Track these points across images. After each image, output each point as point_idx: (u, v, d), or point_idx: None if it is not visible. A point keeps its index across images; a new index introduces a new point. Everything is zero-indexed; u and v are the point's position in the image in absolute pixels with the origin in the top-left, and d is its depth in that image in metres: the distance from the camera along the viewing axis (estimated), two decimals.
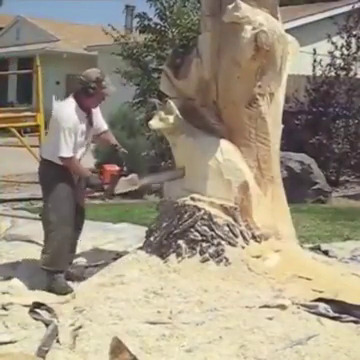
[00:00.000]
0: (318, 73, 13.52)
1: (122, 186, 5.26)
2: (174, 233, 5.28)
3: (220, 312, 4.48)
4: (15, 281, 5.29)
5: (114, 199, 9.36)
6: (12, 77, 28.59)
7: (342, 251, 6.70)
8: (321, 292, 4.82)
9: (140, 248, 5.54)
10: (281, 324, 4.28)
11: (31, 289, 5.11)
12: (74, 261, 5.76)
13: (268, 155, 5.53)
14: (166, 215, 5.44)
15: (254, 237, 5.31)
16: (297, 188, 10.11)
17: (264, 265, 5.17)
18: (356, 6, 13.99)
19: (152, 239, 5.44)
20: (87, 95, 5.18)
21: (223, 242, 5.20)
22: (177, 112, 5.46)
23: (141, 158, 11.58)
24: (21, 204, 10.52)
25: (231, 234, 5.25)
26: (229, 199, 5.33)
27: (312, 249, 6.53)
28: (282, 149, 5.99)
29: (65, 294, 4.97)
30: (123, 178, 5.23)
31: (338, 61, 13.43)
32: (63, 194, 5.21)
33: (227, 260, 5.14)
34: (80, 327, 4.13)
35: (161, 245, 5.32)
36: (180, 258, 5.20)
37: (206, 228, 5.23)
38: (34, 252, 6.43)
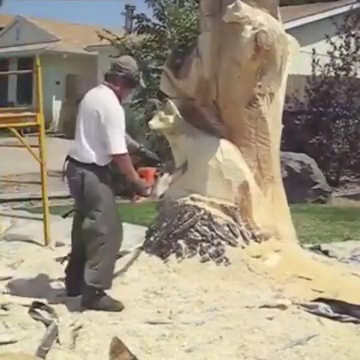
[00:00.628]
0: (318, 73, 13.52)
1: (161, 187, 5.00)
2: (174, 233, 5.29)
3: (220, 312, 4.48)
4: (15, 281, 5.29)
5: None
6: (12, 77, 28.57)
7: (342, 251, 6.70)
8: (321, 292, 4.83)
9: (140, 248, 5.54)
10: (281, 324, 4.29)
11: (31, 289, 5.10)
12: None
13: (268, 155, 5.54)
14: (166, 215, 5.44)
15: (254, 237, 5.31)
16: (297, 188, 10.12)
17: (264, 265, 5.17)
18: (354, 6, 13.99)
19: (152, 239, 5.44)
20: (128, 85, 4.73)
21: (223, 242, 5.21)
22: (177, 112, 5.46)
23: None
24: (21, 204, 10.53)
25: (231, 234, 5.25)
26: (229, 199, 5.33)
27: (312, 249, 6.53)
28: (282, 149, 5.99)
29: (120, 310, 4.53)
30: (161, 178, 4.98)
31: (337, 61, 13.44)
32: (111, 202, 4.68)
33: (227, 260, 5.15)
34: (80, 327, 4.13)
35: (161, 245, 5.33)
36: (180, 258, 5.20)
37: (206, 228, 5.23)
38: (34, 252, 6.45)
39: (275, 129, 5.60)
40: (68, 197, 11.28)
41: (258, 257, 5.22)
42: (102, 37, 14.20)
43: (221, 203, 5.31)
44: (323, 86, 13.48)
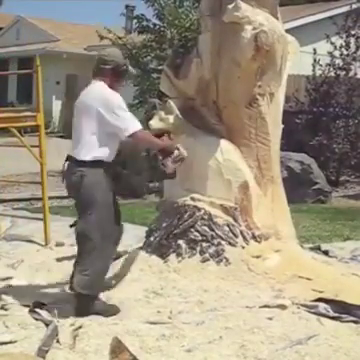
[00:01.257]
0: (318, 73, 13.53)
1: (171, 164, 4.79)
2: (174, 233, 5.28)
3: (220, 312, 4.48)
4: (15, 281, 5.29)
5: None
6: (12, 77, 28.56)
7: (342, 251, 6.70)
8: (321, 292, 4.83)
9: (140, 248, 5.54)
10: (281, 324, 4.28)
11: (31, 289, 5.10)
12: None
13: (268, 155, 5.54)
14: (166, 215, 5.44)
15: (254, 237, 5.31)
16: (297, 188, 10.13)
17: (264, 265, 5.17)
18: (354, 6, 13.99)
19: (152, 239, 5.44)
20: (117, 76, 4.65)
21: (223, 242, 5.21)
22: (177, 112, 5.46)
23: (141, 158, 11.58)
24: (21, 204, 10.53)
25: (231, 234, 5.25)
26: (229, 199, 5.33)
27: (312, 249, 6.53)
28: (282, 149, 5.99)
29: (115, 314, 4.44)
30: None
31: (337, 61, 13.44)
32: (107, 207, 4.49)
33: (227, 260, 5.14)
34: (80, 327, 4.13)
35: (161, 245, 5.32)
36: (180, 258, 5.20)
37: (206, 228, 5.23)
38: (34, 252, 6.45)
39: (275, 129, 5.60)
40: (68, 197, 11.30)
41: (258, 257, 5.21)
42: (102, 37, 14.20)
43: (221, 203, 5.31)
44: (323, 86, 13.49)
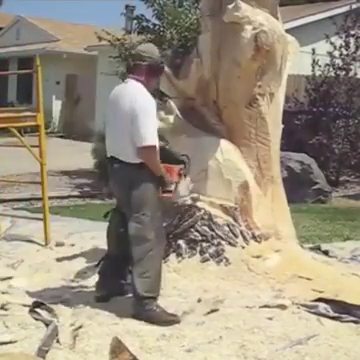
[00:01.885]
0: (318, 73, 13.53)
1: (183, 190, 4.74)
2: (174, 233, 5.29)
3: (220, 312, 4.48)
4: (15, 281, 5.29)
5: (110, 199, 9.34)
6: (12, 77, 28.54)
7: (342, 251, 6.70)
8: (321, 292, 4.83)
9: None
10: (281, 324, 4.28)
11: (31, 289, 5.10)
12: (77, 262, 5.75)
13: (268, 155, 5.54)
14: (166, 215, 5.44)
15: (254, 237, 5.32)
16: (297, 188, 10.13)
17: (264, 265, 5.17)
18: (354, 6, 13.99)
19: None
20: (154, 74, 4.53)
21: (223, 242, 5.21)
22: (177, 112, 5.47)
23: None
24: (21, 204, 10.53)
25: (231, 234, 5.25)
26: (229, 199, 5.33)
27: (312, 249, 6.53)
28: (282, 149, 5.99)
29: (177, 323, 4.28)
30: (186, 180, 4.72)
31: (337, 61, 13.44)
32: (156, 204, 4.45)
33: (227, 260, 5.14)
34: (80, 327, 4.13)
35: None
36: (180, 258, 5.20)
37: (206, 228, 5.23)
38: (34, 252, 6.45)
39: (275, 129, 5.60)
40: (68, 197, 11.32)
41: (258, 257, 5.22)
42: (101, 38, 14.20)
43: (221, 203, 5.31)
44: (323, 86, 13.49)
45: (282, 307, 4.56)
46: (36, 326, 4.22)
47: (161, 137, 5.04)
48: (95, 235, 6.80)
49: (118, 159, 4.45)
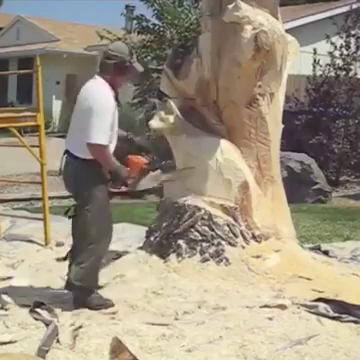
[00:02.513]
0: (318, 73, 13.53)
1: (146, 182, 4.74)
2: (174, 233, 5.28)
3: (220, 312, 4.48)
4: (15, 281, 5.29)
5: (115, 198, 9.34)
6: (12, 77, 28.55)
7: (342, 251, 6.69)
8: (321, 292, 4.83)
9: (140, 248, 5.54)
10: (281, 324, 4.28)
11: (31, 289, 5.10)
12: None
13: (268, 155, 5.54)
14: (166, 215, 5.44)
15: (254, 237, 5.31)
16: (297, 188, 10.13)
17: (264, 265, 5.17)
18: (354, 6, 13.99)
19: (152, 239, 5.44)
20: (120, 72, 4.53)
21: (223, 242, 5.21)
22: (177, 112, 5.46)
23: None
24: (21, 204, 10.52)
25: (231, 234, 5.25)
26: (229, 199, 5.33)
27: (312, 249, 6.52)
28: (282, 149, 5.99)
29: (106, 307, 4.52)
30: (151, 174, 4.76)
31: (338, 61, 13.44)
32: (104, 202, 4.53)
33: (227, 260, 5.14)
34: (80, 327, 4.13)
35: (161, 245, 5.33)
36: (180, 258, 5.20)
37: (206, 228, 5.23)
38: (34, 252, 6.45)
39: (275, 129, 5.60)
40: (68, 197, 11.32)
41: (258, 257, 5.21)
42: (102, 37, 14.22)
43: (221, 203, 5.31)
44: (323, 86, 13.49)
45: (282, 307, 4.56)
46: (36, 326, 4.22)
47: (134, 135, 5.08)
48: None
49: (69, 152, 4.55)
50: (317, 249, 6.59)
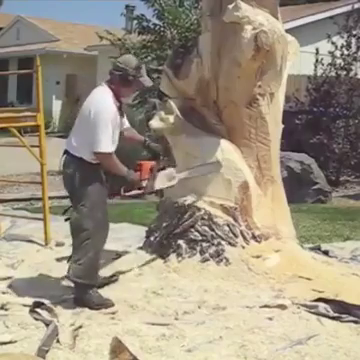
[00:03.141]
0: (319, 73, 13.53)
1: (161, 181, 4.87)
2: (174, 233, 5.28)
3: (220, 312, 4.48)
4: (15, 281, 5.29)
5: (116, 198, 9.32)
6: (12, 77, 28.56)
7: (342, 251, 6.69)
8: (321, 292, 4.82)
9: (140, 248, 5.54)
10: (281, 324, 4.28)
11: (31, 289, 5.10)
12: None
13: (268, 155, 5.54)
14: (166, 215, 5.44)
15: (254, 237, 5.31)
16: (297, 188, 10.13)
17: (264, 265, 5.17)
18: (356, 6, 13.99)
19: (152, 239, 5.44)
20: (124, 84, 4.69)
21: (223, 242, 5.21)
22: (177, 112, 5.46)
23: (141, 158, 11.56)
24: (21, 204, 10.52)
25: (231, 234, 5.25)
26: (229, 199, 5.33)
27: (312, 249, 6.52)
28: (282, 149, 5.99)
29: (106, 307, 4.56)
30: (161, 172, 4.87)
31: (338, 61, 13.44)
32: (99, 198, 4.67)
33: (227, 260, 5.14)
34: (80, 327, 4.13)
35: (161, 245, 5.33)
36: (180, 258, 5.20)
37: (206, 228, 5.23)
38: (34, 252, 6.45)
39: (275, 129, 5.60)
40: (68, 197, 11.31)
41: (258, 257, 5.21)
42: (102, 38, 14.21)
43: (221, 203, 5.31)
44: (324, 86, 13.49)
45: (282, 307, 4.56)
46: (36, 326, 4.22)
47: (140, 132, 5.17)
48: None
49: (69, 152, 4.72)
50: (317, 249, 6.59)
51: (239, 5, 5.20)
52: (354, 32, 13.44)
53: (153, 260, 5.28)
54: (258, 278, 5.05)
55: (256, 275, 5.07)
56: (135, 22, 13.48)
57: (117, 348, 3.53)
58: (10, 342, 3.91)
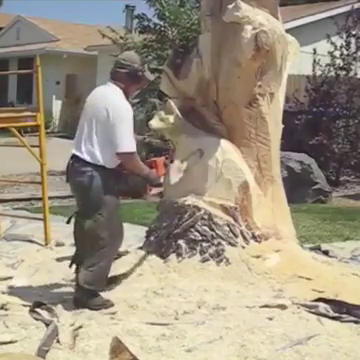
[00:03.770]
0: (318, 73, 13.53)
1: (175, 174, 4.89)
2: (174, 233, 5.28)
3: (220, 312, 4.48)
4: (15, 281, 5.29)
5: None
6: (12, 77, 28.56)
7: (342, 251, 6.70)
8: (321, 292, 4.82)
9: (140, 248, 5.54)
10: (281, 324, 4.28)
11: (31, 289, 5.10)
12: None
13: (268, 155, 5.54)
14: (166, 215, 5.44)
15: (254, 237, 5.31)
16: (297, 188, 10.13)
17: (264, 265, 5.17)
18: (355, 6, 13.99)
19: (152, 239, 5.44)
20: (133, 81, 4.64)
21: (223, 242, 5.20)
22: (177, 112, 5.46)
23: (142, 158, 11.55)
24: (21, 204, 10.52)
25: (231, 234, 5.25)
26: (229, 199, 5.33)
27: (312, 249, 6.53)
28: (282, 149, 5.99)
29: (106, 307, 4.56)
30: (173, 165, 4.87)
31: (338, 61, 13.44)
32: (114, 206, 4.61)
33: (227, 260, 5.14)
34: (80, 327, 4.13)
35: (161, 245, 5.32)
36: (180, 258, 5.20)
37: (206, 228, 5.23)
38: (34, 252, 6.45)
39: (275, 129, 5.60)
40: (68, 197, 11.32)
41: (258, 257, 5.21)
42: (104, 35, 14.19)
43: (221, 203, 5.31)
44: (323, 86, 13.49)
45: (282, 307, 4.56)
46: (36, 326, 4.22)
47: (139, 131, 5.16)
48: None
49: (80, 158, 4.54)
50: (317, 249, 6.60)
51: (239, 5, 5.20)
52: (353, 32, 13.44)
53: (144, 258, 5.27)
54: (258, 278, 5.05)
55: (256, 275, 5.07)
56: (136, 21, 13.45)
57: (117, 348, 3.52)
58: (10, 342, 3.91)
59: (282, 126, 5.72)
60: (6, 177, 11.74)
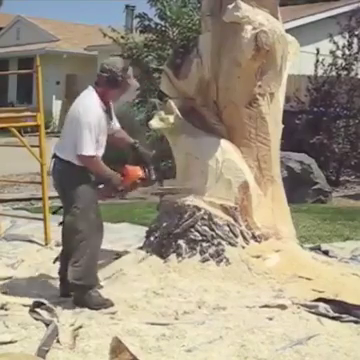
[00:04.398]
0: (320, 73, 13.51)
1: (134, 191, 4.94)
2: (174, 233, 5.28)
3: (220, 312, 4.48)
4: (15, 281, 5.29)
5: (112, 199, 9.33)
6: (12, 77, 28.57)
7: (342, 251, 6.70)
8: (321, 292, 4.82)
9: (140, 248, 5.54)
10: (281, 324, 4.28)
11: (31, 289, 5.10)
12: None
13: (268, 155, 5.54)
14: (166, 215, 5.44)
15: (254, 237, 5.31)
16: (297, 188, 10.12)
17: (264, 265, 5.17)
18: (359, 6, 13.94)
19: (152, 239, 5.44)
20: (112, 86, 4.68)
21: (223, 242, 5.20)
22: (177, 112, 5.46)
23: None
24: (21, 204, 10.52)
25: (231, 234, 5.25)
26: (229, 199, 5.33)
27: (312, 249, 6.53)
28: (282, 149, 5.99)
29: (106, 307, 4.57)
30: (141, 183, 4.88)
31: (339, 61, 13.43)
32: (89, 198, 4.69)
33: (227, 260, 5.14)
34: (80, 327, 4.13)
35: (161, 245, 5.32)
36: (180, 258, 5.19)
37: (206, 228, 5.23)
38: (34, 252, 6.45)
39: (275, 129, 5.60)
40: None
41: (258, 257, 5.21)
42: (105, 35, 14.18)
43: (221, 203, 5.31)
44: (324, 86, 13.48)
45: (282, 307, 4.56)
46: (36, 326, 4.22)
47: (133, 135, 5.21)
48: None
49: (57, 155, 4.76)
50: (317, 249, 6.59)
51: (239, 5, 5.20)
52: (356, 32, 13.42)
53: (144, 259, 5.27)
54: (258, 278, 5.05)
55: (256, 275, 5.07)
56: (137, 20, 13.44)
57: (117, 348, 3.52)
58: (10, 342, 3.91)
59: (282, 126, 5.72)
60: (6, 177, 11.75)
